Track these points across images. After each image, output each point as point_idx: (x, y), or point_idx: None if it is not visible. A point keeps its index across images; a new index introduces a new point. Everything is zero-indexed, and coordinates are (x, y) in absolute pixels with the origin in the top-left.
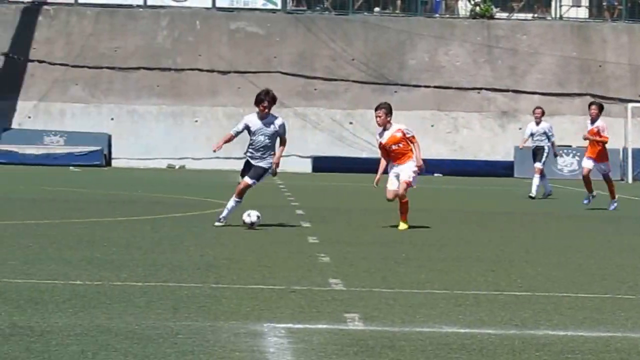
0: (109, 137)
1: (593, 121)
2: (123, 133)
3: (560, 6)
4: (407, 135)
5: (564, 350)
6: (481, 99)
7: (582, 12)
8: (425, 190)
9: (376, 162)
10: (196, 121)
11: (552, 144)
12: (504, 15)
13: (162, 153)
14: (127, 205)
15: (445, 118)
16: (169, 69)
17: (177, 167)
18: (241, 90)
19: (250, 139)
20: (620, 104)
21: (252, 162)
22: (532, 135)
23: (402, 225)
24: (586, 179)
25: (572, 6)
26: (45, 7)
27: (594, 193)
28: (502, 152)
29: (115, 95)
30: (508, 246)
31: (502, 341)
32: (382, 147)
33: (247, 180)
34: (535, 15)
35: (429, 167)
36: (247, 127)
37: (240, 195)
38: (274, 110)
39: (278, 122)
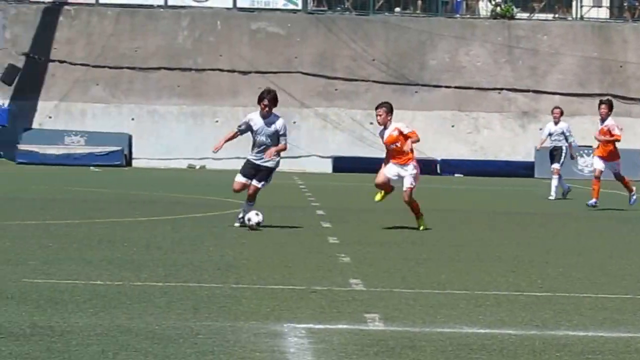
0: (130, 137)
1: (603, 120)
2: (144, 133)
3: (581, 6)
4: (405, 132)
5: (584, 350)
6: (502, 99)
7: (603, 13)
8: (446, 191)
9: None
10: (217, 121)
11: (570, 145)
12: (525, 15)
13: (183, 153)
14: (147, 206)
15: (466, 118)
16: (190, 69)
17: (197, 167)
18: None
19: (253, 139)
20: None
21: (256, 162)
22: (550, 135)
23: (421, 224)
24: (597, 181)
25: (593, 6)
26: (66, 7)
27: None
28: (522, 153)
29: (135, 96)
30: (528, 247)
31: (523, 342)
32: (386, 144)
33: (256, 183)
34: (556, 15)
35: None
36: (249, 126)
37: (251, 199)
38: (279, 111)
39: (279, 122)
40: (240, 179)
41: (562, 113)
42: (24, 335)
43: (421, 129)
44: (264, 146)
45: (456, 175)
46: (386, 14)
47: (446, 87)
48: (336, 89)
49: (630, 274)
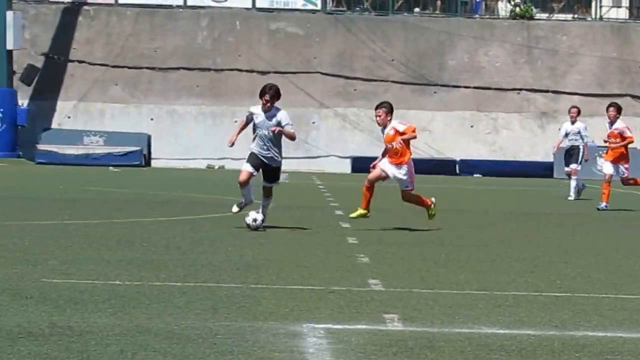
0: (149, 137)
1: (612, 123)
2: (162, 133)
3: (601, 7)
4: (400, 130)
5: (603, 351)
6: (521, 99)
7: (622, 13)
8: (465, 191)
9: (416, 162)
10: (235, 121)
11: (585, 145)
12: (544, 15)
13: (202, 153)
14: (166, 206)
15: (485, 119)
16: (209, 69)
17: (216, 167)
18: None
19: (255, 132)
20: None
21: (260, 156)
22: (566, 134)
23: (431, 211)
24: (607, 184)
25: (612, 7)
26: (85, 7)
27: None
28: (541, 153)
29: (154, 96)
30: (547, 247)
31: (542, 342)
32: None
33: (266, 184)
34: (575, 15)
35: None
36: (252, 117)
37: (267, 194)
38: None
39: (280, 114)
40: (248, 167)
41: (579, 112)
42: (42, 335)
43: (440, 129)
44: (266, 139)
45: (475, 175)
46: (405, 14)
47: (465, 87)
48: (355, 89)
49: None
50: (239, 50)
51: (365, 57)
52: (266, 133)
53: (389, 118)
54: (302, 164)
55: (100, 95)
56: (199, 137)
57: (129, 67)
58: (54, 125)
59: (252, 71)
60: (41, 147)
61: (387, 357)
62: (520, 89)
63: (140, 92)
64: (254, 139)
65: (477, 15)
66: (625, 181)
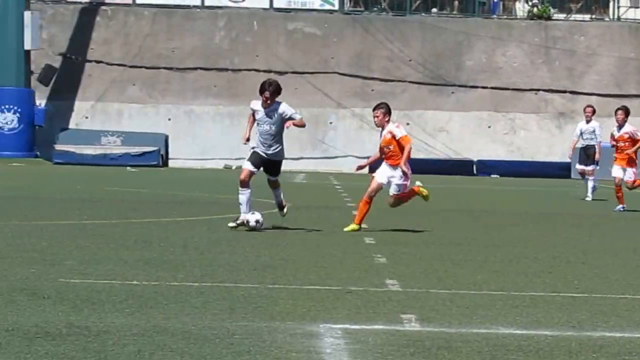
0: (166, 137)
1: (620, 126)
2: (180, 133)
3: (618, 7)
4: (397, 137)
5: (620, 352)
6: (538, 100)
7: None
8: (482, 192)
9: (433, 163)
10: None
11: (598, 144)
12: (562, 16)
13: (219, 153)
14: (183, 206)
15: (503, 119)
16: (226, 70)
17: (233, 167)
18: (298, 90)
19: (257, 128)
20: None
21: (262, 154)
22: (581, 134)
23: (422, 193)
24: (619, 188)
25: (630, 7)
26: (103, 7)
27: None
28: (559, 153)
29: (172, 96)
30: (564, 247)
31: (559, 342)
32: (380, 146)
33: (272, 177)
34: (593, 16)
35: (410, 176)
36: (254, 113)
37: (274, 186)
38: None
39: (281, 107)
40: (248, 166)
41: (594, 112)
42: (60, 335)
43: (457, 129)
44: (268, 135)
45: (492, 175)
46: (423, 14)
47: (483, 87)
48: (372, 90)
49: None
50: (257, 50)
51: (382, 58)
52: (267, 128)
53: (386, 119)
54: (319, 164)
55: (118, 95)
56: (216, 137)
57: (147, 67)
58: (71, 125)
59: (270, 71)
60: (59, 147)
61: (404, 358)
62: (538, 90)
63: (158, 92)
64: (256, 134)
65: (494, 16)
66: (631, 185)
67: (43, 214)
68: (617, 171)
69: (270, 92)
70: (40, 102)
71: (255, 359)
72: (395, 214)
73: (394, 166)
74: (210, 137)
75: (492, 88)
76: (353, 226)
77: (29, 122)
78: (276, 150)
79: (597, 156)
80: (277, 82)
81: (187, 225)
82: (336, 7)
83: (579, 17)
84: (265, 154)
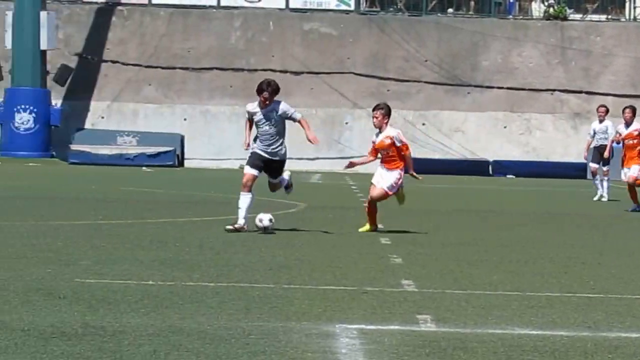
0: (182, 137)
1: (628, 124)
2: (196, 133)
3: (635, 7)
4: (397, 145)
5: (636, 352)
6: (554, 100)
7: None
8: (498, 192)
9: (449, 163)
10: None
11: (611, 142)
12: (578, 16)
13: (235, 153)
14: (199, 206)
15: (518, 119)
16: (242, 70)
17: None
18: (314, 91)
19: (257, 129)
20: None
21: (262, 153)
22: (595, 134)
23: (399, 195)
24: (632, 186)
25: None
26: (119, 7)
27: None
28: (574, 154)
29: (188, 96)
30: (580, 248)
31: (575, 343)
32: (374, 148)
33: (273, 179)
34: (609, 16)
35: (423, 178)
36: (252, 116)
37: (274, 189)
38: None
39: (280, 107)
40: (250, 170)
41: (607, 112)
42: (75, 335)
43: (473, 129)
44: (268, 135)
45: (508, 176)
46: (439, 14)
47: (498, 88)
48: (388, 90)
49: None
50: (272, 50)
51: (398, 58)
52: (267, 129)
53: (385, 121)
54: (335, 165)
55: (134, 95)
56: (232, 137)
57: (163, 68)
58: (87, 125)
59: (286, 71)
60: (74, 147)
61: (420, 358)
62: (554, 90)
63: (174, 92)
64: (256, 138)
65: (510, 16)
66: (633, 181)
67: (59, 214)
68: (634, 170)
69: (270, 92)
70: (56, 102)
71: (270, 359)
72: (411, 215)
73: (391, 170)
74: (226, 137)
75: (507, 88)
76: (367, 227)
77: (44, 122)
78: (277, 149)
79: (605, 154)
80: (276, 82)
81: (203, 225)
82: (352, 7)
83: (595, 17)
84: (266, 152)
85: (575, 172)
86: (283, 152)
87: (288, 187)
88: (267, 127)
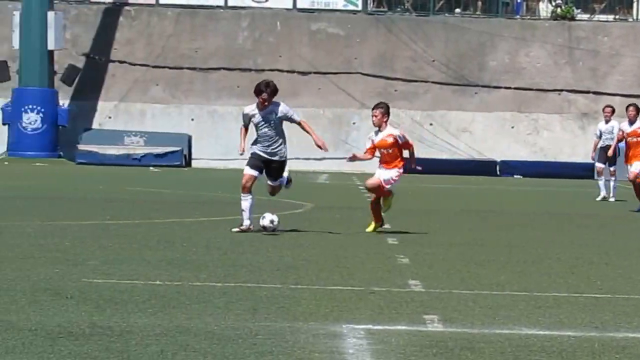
0: (189, 137)
1: (631, 122)
2: (203, 134)
3: None
4: (400, 142)
5: None
6: (562, 100)
7: None
8: (505, 192)
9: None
10: None
11: (614, 142)
12: (585, 16)
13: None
14: (206, 206)
15: (526, 119)
16: (250, 70)
17: None
18: (321, 91)
19: (256, 131)
20: None
21: (261, 154)
22: (601, 134)
23: (388, 201)
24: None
25: None
26: (126, 7)
27: None
28: (582, 154)
29: (195, 96)
30: (587, 248)
31: (582, 343)
32: (373, 146)
33: (274, 182)
34: (617, 16)
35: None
36: (249, 120)
37: (273, 193)
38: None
39: (280, 108)
40: (249, 171)
41: (613, 112)
42: (83, 335)
43: (480, 130)
44: (267, 137)
45: (515, 176)
46: (446, 14)
47: (506, 88)
48: (396, 90)
49: None
50: (280, 50)
51: (406, 58)
52: (266, 130)
53: (385, 119)
54: (342, 165)
55: (141, 95)
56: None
57: (170, 68)
58: (94, 125)
59: (293, 72)
60: (82, 147)
61: (427, 358)
62: (561, 90)
63: (181, 92)
64: (255, 141)
65: (518, 16)
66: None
67: (66, 214)
68: (636, 167)
69: (269, 93)
70: (64, 102)
71: (278, 359)
72: (418, 216)
73: (389, 169)
74: (233, 137)
75: (515, 88)
76: (373, 225)
77: (52, 122)
78: (277, 149)
79: (609, 152)
80: (274, 83)
81: (210, 225)
82: (359, 8)
83: (603, 17)
84: (265, 152)
85: (582, 172)
86: (283, 152)
87: (288, 182)
88: (266, 129)
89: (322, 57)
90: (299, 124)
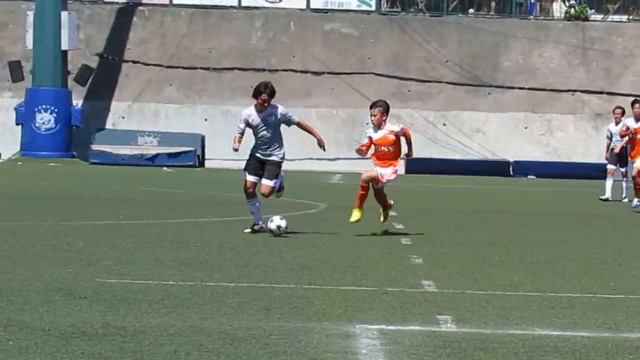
0: (203, 137)
1: (637, 119)
2: (216, 134)
3: None
4: (400, 134)
5: None
6: (575, 100)
7: None
8: (519, 192)
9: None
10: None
11: (623, 142)
12: (599, 17)
13: None
14: (220, 206)
15: (539, 120)
16: (263, 70)
17: None
18: (335, 91)
19: (254, 135)
20: None
21: (259, 156)
22: (612, 135)
23: (386, 212)
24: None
25: None
26: (140, 8)
27: None
28: (595, 155)
29: (209, 96)
30: (601, 248)
31: (595, 344)
32: (371, 143)
33: (268, 182)
34: (631, 17)
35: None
36: (247, 124)
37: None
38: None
39: (279, 110)
40: (249, 177)
41: (623, 113)
42: (96, 335)
43: (494, 130)
44: (266, 139)
45: (529, 176)
46: (460, 15)
47: (519, 88)
48: (409, 90)
49: None
50: (293, 50)
51: (419, 58)
52: (265, 133)
53: (384, 118)
54: (355, 165)
55: (155, 95)
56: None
57: (184, 68)
58: (108, 125)
59: (307, 72)
60: (95, 147)
61: (440, 359)
62: (575, 91)
63: (195, 92)
64: (254, 145)
65: (531, 17)
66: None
67: (79, 214)
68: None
69: (268, 94)
70: (77, 102)
71: (291, 359)
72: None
73: (385, 167)
74: (246, 137)
75: (528, 89)
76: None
77: (65, 122)
78: (273, 151)
79: (616, 150)
80: (272, 85)
81: (223, 225)
82: (373, 8)
83: (617, 18)
84: (262, 154)
85: (596, 172)
86: (280, 153)
87: (280, 189)
88: (264, 132)
89: (335, 57)
90: (298, 124)
